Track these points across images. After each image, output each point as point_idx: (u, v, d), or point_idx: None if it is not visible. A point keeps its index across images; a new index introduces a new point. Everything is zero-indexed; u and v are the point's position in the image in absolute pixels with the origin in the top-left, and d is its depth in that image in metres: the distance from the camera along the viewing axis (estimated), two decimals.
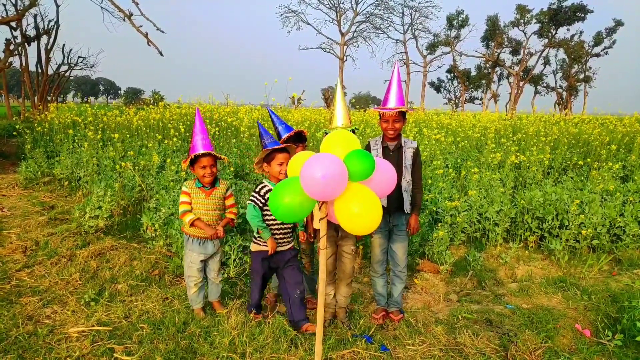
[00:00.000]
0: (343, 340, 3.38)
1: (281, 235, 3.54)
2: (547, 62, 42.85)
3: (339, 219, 2.55)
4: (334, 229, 3.59)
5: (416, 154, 3.76)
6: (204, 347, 3.17)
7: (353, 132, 3.38)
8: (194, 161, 3.47)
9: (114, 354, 3.10)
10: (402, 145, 3.73)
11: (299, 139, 3.77)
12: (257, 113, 12.15)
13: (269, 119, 3.89)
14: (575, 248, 5.32)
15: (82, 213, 5.39)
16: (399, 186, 3.65)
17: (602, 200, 6.02)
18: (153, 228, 5.04)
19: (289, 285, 3.56)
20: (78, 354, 3.08)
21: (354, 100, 43.03)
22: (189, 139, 9.20)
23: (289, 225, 3.58)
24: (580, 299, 4.18)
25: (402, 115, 3.57)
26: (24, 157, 8.89)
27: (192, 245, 3.60)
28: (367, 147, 3.81)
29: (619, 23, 39.08)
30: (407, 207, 3.72)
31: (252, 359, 3.07)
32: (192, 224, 3.51)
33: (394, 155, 3.69)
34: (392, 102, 3.49)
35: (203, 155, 3.44)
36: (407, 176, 3.70)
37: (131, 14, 11.31)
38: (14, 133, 10.91)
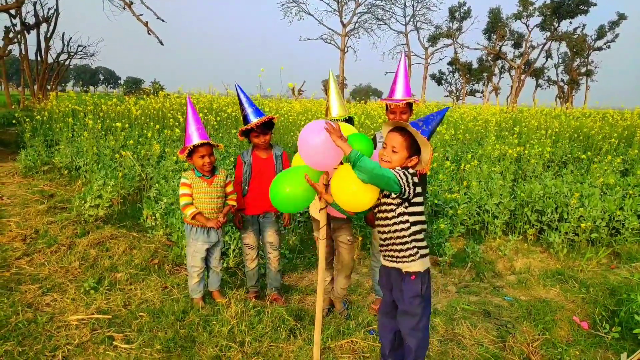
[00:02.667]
0: (341, 330, 3.40)
1: None
2: (549, 55, 42.62)
3: (335, 196, 2.52)
4: (327, 220, 3.57)
5: None
6: (203, 336, 3.18)
7: (350, 120, 3.39)
8: (192, 152, 3.46)
9: (113, 342, 3.12)
10: None
11: (268, 126, 3.65)
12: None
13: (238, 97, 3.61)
14: (574, 241, 5.32)
15: (82, 202, 5.39)
16: None
17: (602, 193, 6.02)
18: (153, 217, 5.03)
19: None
20: (77, 342, 3.10)
21: (354, 92, 42.84)
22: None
23: None
24: (578, 292, 4.19)
25: (408, 106, 3.56)
26: (23, 145, 8.88)
27: (197, 234, 3.61)
28: (374, 140, 3.80)
29: (622, 17, 38.81)
30: None
31: (251, 348, 3.08)
32: (193, 217, 3.51)
33: None
34: (399, 94, 3.49)
35: (201, 145, 3.44)
36: None
37: (131, 2, 11.25)
38: (13, 121, 10.87)
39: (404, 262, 2.56)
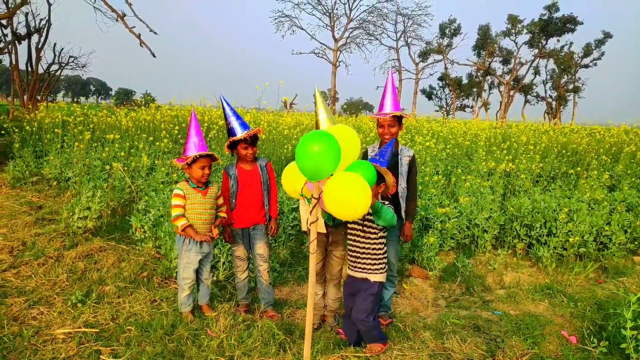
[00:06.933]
0: (332, 344, 3.38)
1: None
2: (537, 72, 43.40)
3: (327, 204, 2.58)
4: (325, 235, 3.61)
5: (412, 162, 3.79)
6: (192, 350, 3.15)
7: None
8: (192, 161, 3.49)
9: (101, 356, 3.07)
10: (399, 152, 3.76)
11: (255, 139, 3.69)
12: (248, 116, 12.13)
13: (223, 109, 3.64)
14: (562, 256, 5.37)
15: (71, 213, 5.34)
16: (394, 192, 3.67)
17: (590, 208, 6.09)
18: (142, 230, 5.00)
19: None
20: (64, 356, 3.05)
21: (345, 106, 43.13)
22: (181, 141, 9.16)
23: None
24: (566, 306, 4.22)
25: (397, 120, 3.61)
26: (12, 156, 8.78)
27: (189, 245, 3.61)
28: (365, 153, 3.84)
29: (607, 35, 39.72)
30: (402, 213, 3.75)
31: None
32: (183, 230, 3.52)
33: (390, 161, 3.71)
34: (387, 108, 3.55)
35: (202, 156, 3.49)
36: (402, 183, 3.73)
37: (124, 15, 11.27)
38: (2, 132, 10.77)
39: (375, 273, 3.22)
